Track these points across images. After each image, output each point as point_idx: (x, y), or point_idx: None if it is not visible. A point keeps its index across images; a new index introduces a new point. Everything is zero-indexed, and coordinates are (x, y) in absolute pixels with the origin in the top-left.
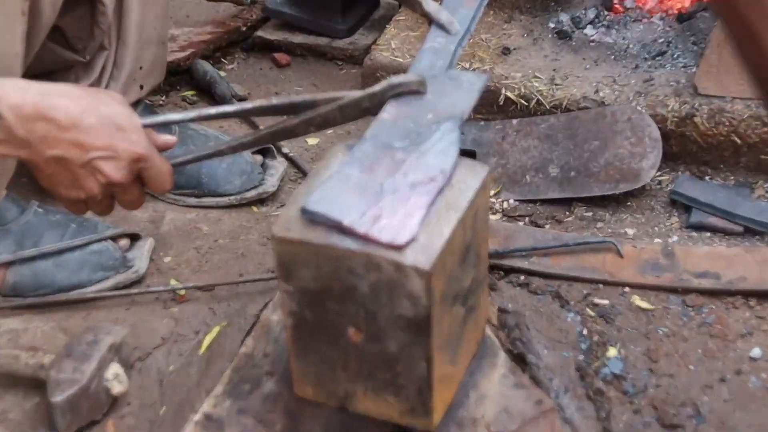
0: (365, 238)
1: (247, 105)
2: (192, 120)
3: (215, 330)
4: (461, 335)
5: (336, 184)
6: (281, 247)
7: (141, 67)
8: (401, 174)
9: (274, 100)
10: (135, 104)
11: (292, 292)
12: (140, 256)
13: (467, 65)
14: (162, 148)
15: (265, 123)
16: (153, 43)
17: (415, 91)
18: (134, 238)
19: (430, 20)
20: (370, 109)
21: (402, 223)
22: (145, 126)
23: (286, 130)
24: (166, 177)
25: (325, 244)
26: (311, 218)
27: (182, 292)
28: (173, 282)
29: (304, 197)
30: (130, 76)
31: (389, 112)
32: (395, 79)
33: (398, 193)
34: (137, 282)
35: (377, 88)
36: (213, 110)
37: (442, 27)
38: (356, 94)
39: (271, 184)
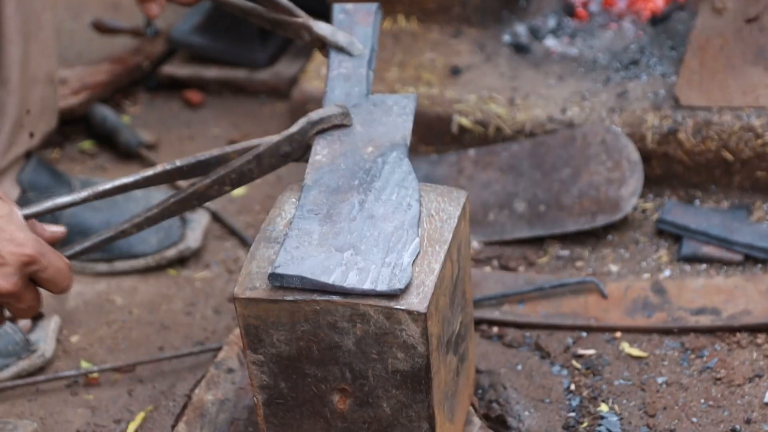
0: (356, 293)
1: (148, 172)
2: (84, 201)
3: (139, 416)
4: (456, 389)
5: (298, 241)
6: (247, 311)
7: (28, 111)
8: (366, 216)
9: (179, 162)
10: (26, 156)
11: (262, 362)
12: (45, 338)
13: (411, 89)
14: (50, 242)
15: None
16: (40, 82)
17: (340, 124)
18: (36, 317)
19: (324, 45)
20: (291, 153)
21: (393, 266)
22: (28, 217)
23: (197, 194)
24: (65, 275)
25: (300, 299)
26: (284, 284)
27: (96, 374)
28: (85, 364)
29: (264, 260)
30: (17, 123)
31: (321, 153)
32: (314, 115)
33: (374, 236)
34: (42, 368)
35: (294, 128)
36: (109, 185)
37: (342, 50)
38: (272, 139)
39: (193, 239)
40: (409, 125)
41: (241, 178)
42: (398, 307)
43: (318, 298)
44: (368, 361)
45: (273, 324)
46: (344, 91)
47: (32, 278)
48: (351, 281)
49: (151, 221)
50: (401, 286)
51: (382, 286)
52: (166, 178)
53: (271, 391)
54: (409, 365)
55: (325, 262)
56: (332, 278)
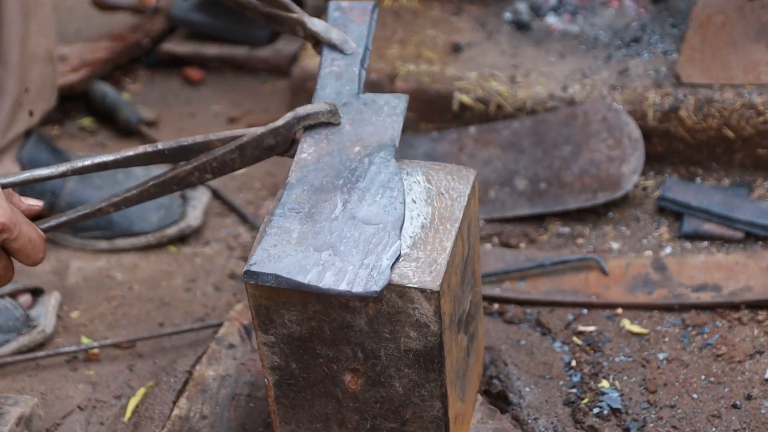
0: (332, 294)
1: (129, 152)
2: (63, 174)
3: (140, 392)
4: (466, 368)
5: (276, 239)
6: (258, 291)
7: (27, 90)
8: (348, 217)
9: (160, 145)
10: (26, 135)
11: (273, 343)
12: (45, 313)
13: (412, 66)
14: (27, 215)
15: None
16: (39, 61)
17: (328, 122)
18: (36, 293)
19: (318, 42)
20: (275, 147)
21: (371, 268)
22: (5, 186)
23: (177, 178)
24: (38, 246)
25: None
26: (259, 282)
27: (96, 350)
28: (85, 340)
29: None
30: (16, 101)
31: (307, 151)
32: (301, 110)
33: (354, 237)
34: (42, 343)
35: (281, 121)
36: (88, 161)
37: (335, 47)
38: (257, 131)
39: (194, 217)
40: (399, 126)
41: (223, 167)
42: (411, 285)
43: None
44: (380, 341)
45: (284, 304)
46: (335, 90)
47: (4, 247)
48: (327, 282)
49: (129, 202)
50: (377, 288)
51: (358, 288)
52: (147, 159)
53: (282, 372)
54: (422, 344)
55: (302, 261)
56: (308, 278)
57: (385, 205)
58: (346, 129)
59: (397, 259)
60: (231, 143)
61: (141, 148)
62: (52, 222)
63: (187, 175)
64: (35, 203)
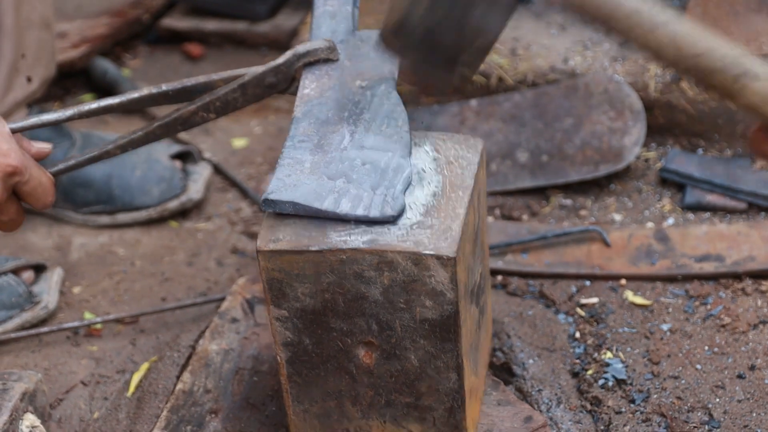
0: (349, 219)
1: (134, 95)
2: (70, 118)
3: (144, 367)
4: (478, 342)
5: (290, 170)
6: (270, 264)
7: (24, 55)
8: (357, 146)
9: (164, 86)
10: (28, 108)
11: (286, 318)
12: (48, 289)
13: None
14: (37, 158)
15: None
16: (35, 27)
17: (326, 59)
18: (39, 269)
19: None
20: (276, 85)
21: (385, 194)
22: (15, 132)
23: (182, 119)
24: (47, 189)
25: (325, 248)
26: (276, 210)
27: (99, 326)
28: (88, 315)
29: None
30: (13, 66)
31: (309, 87)
32: (300, 48)
33: (366, 165)
34: (45, 319)
35: (281, 59)
36: (94, 105)
37: None
38: (258, 69)
39: (195, 190)
40: (396, 60)
41: (226, 106)
42: (427, 252)
43: (344, 247)
44: (395, 311)
45: (297, 276)
46: (330, 28)
47: (15, 191)
48: (344, 208)
49: (135, 143)
50: (394, 213)
51: (375, 213)
52: (152, 101)
53: (295, 348)
54: (438, 313)
55: (317, 189)
56: (325, 204)
57: (391, 134)
58: (345, 64)
59: (409, 185)
60: (233, 82)
61: (146, 90)
62: (61, 166)
63: (191, 115)
64: (44, 146)
